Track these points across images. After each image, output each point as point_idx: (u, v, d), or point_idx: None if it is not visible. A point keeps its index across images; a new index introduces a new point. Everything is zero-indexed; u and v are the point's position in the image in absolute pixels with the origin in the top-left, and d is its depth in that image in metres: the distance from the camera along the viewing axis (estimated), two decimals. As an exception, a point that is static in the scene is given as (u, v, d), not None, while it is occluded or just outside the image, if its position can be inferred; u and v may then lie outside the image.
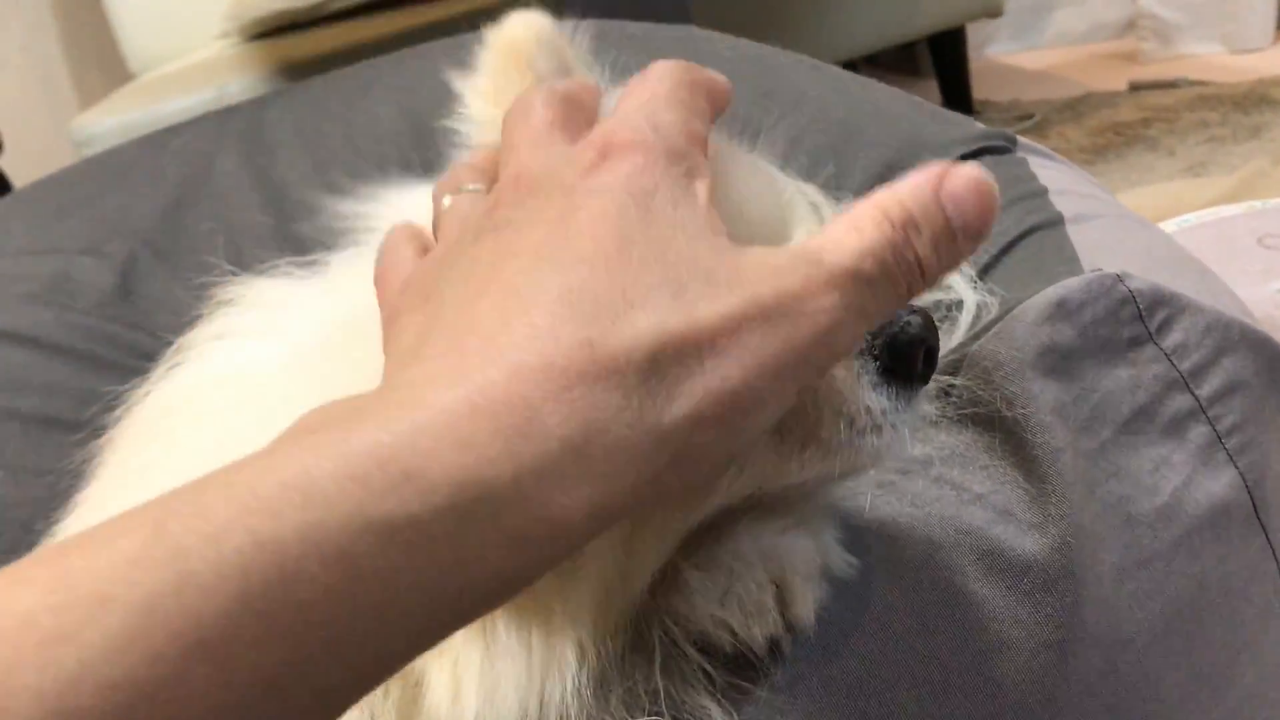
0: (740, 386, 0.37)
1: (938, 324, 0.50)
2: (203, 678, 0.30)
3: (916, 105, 1.00)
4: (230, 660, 0.31)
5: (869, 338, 0.47)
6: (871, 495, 0.54)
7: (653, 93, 0.45)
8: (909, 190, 0.40)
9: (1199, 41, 2.96)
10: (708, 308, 0.37)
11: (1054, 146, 2.59)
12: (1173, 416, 0.57)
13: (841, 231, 0.39)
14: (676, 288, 0.38)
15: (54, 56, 3.43)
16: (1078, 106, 2.78)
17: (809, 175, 0.92)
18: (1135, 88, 2.80)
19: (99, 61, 3.42)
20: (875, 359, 0.47)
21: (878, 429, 0.47)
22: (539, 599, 0.44)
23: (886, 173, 0.93)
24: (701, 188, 0.42)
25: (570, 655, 0.44)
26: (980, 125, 0.99)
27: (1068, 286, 0.58)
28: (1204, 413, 0.57)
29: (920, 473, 0.54)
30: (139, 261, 1.02)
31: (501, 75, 0.55)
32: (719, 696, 0.48)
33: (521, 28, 0.55)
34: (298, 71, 2.41)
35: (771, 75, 1.01)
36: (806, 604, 0.48)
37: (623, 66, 0.56)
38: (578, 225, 0.40)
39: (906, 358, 0.47)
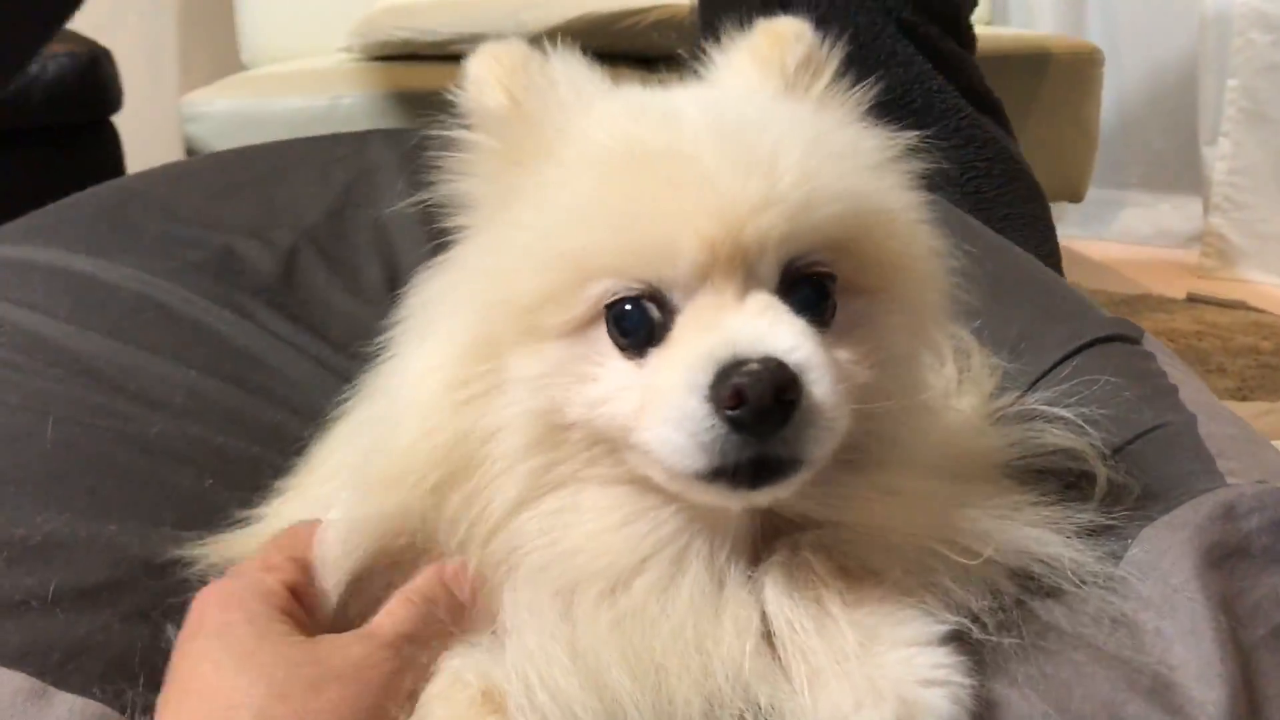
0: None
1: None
2: None
3: (1060, 283, 1.05)
4: None
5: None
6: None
7: None
8: (423, 579, 0.60)
9: (1259, 270, 3.04)
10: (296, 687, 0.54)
11: (1108, 338, 2.65)
12: (1314, 632, 0.61)
13: (386, 614, 0.59)
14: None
15: (168, 28, 3.52)
16: (1135, 305, 2.85)
17: (962, 323, 0.97)
18: (1193, 299, 2.88)
19: (210, 44, 3.51)
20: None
21: None
22: None
23: (1024, 336, 0.98)
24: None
25: None
26: (1108, 313, 1.05)
27: (1239, 492, 0.62)
28: (1343, 635, 0.61)
29: (1092, 630, 0.58)
30: (301, 255, 1.06)
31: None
32: None
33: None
34: (408, 100, 2.48)
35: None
36: None
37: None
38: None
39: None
